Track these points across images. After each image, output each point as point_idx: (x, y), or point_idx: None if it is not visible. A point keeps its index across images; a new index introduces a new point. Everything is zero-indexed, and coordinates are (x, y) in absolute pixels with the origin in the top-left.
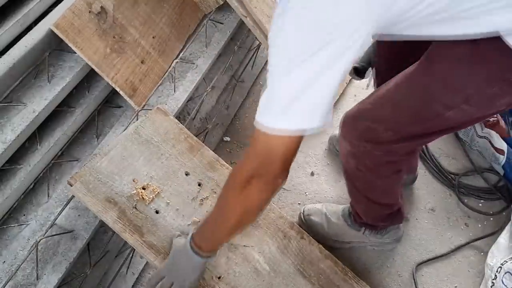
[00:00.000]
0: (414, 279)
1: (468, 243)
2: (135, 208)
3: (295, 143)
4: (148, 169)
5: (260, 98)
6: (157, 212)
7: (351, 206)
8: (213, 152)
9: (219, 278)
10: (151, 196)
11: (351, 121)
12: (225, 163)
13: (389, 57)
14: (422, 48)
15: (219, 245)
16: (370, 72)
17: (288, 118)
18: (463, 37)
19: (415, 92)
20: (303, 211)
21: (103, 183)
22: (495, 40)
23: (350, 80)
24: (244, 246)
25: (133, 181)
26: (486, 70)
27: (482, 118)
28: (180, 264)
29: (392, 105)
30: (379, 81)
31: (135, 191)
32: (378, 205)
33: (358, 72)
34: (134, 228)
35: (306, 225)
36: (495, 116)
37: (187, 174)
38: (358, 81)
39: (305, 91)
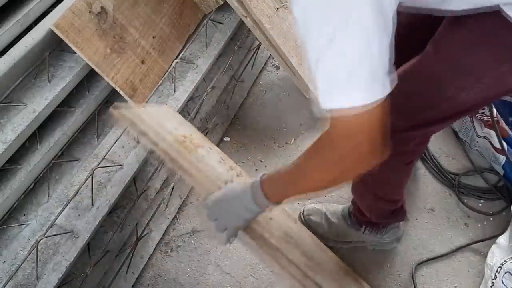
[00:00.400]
0: (413, 279)
1: (468, 244)
2: (183, 146)
3: (378, 113)
4: (184, 128)
5: (316, 81)
6: (201, 157)
7: (353, 204)
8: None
9: None
10: (193, 143)
11: None
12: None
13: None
14: (423, 41)
15: (285, 199)
16: None
17: (357, 93)
18: (474, 10)
19: (426, 79)
20: (303, 211)
21: (148, 118)
22: (499, 19)
23: None
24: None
25: (175, 128)
26: (494, 50)
27: (496, 97)
28: (233, 204)
29: (403, 94)
30: None
31: (179, 134)
32: (384, 201)
33: None
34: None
35: (306, 225)
36: (495, 116)
37: (210, 149)
38: None
39: (361, 58)
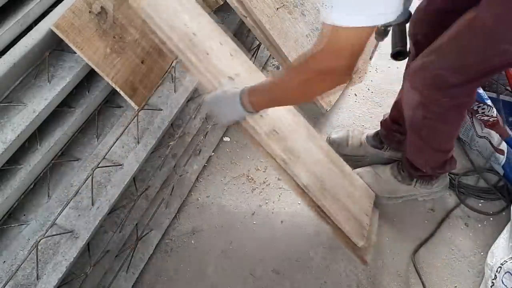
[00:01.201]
0: (419, 277)
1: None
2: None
3: (366, 36)
4: (195, 23)
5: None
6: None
7: (406, 161)
8: None
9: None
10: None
11: (421, 73)
12: None
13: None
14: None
15: (267, 108)
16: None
17: (361, 12)
18: None
19: (479, 35)
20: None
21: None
22: None
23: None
24: None
25: (184, 25)
26: None
27: None
28: (224, 106)
29: (457, 51)
30: (422, 39)
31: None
32: (440, 152)
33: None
34: None
35: None
36: (495, 116)
37: (221, 44)
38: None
39: None
